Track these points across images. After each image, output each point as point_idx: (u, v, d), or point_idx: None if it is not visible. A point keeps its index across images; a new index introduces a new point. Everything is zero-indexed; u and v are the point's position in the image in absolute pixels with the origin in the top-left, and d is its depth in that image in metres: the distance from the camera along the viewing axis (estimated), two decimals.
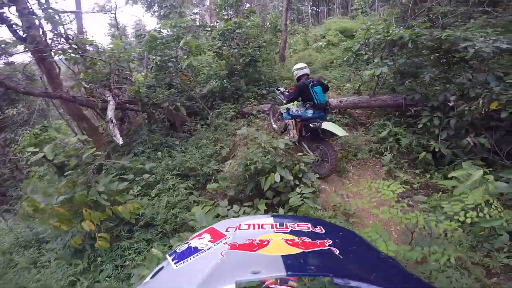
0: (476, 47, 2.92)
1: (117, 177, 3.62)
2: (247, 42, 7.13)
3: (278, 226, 0.90)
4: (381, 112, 5.02)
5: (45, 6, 4.73)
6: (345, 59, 5.12)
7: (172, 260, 0.76)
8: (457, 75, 3.74)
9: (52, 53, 4.76)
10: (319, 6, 25.49)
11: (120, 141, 3.86)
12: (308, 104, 3.90)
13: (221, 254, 0.73)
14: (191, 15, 15.85)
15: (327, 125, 3.60)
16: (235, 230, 0.91)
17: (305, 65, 4.09)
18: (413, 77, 4.24)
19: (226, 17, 8.12)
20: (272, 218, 0.99)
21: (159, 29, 6.24)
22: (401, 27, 3.96)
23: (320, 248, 0.71)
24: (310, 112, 3.86)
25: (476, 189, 1.82)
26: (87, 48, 5.56)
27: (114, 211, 2.82)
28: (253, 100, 6.54)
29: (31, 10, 4.57)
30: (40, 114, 9.39)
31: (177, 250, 0.83)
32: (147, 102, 5.32)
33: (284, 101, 4.45)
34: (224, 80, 6.62)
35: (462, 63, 3.71)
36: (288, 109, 4.33)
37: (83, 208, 2.68)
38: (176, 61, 5.83)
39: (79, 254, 2.95)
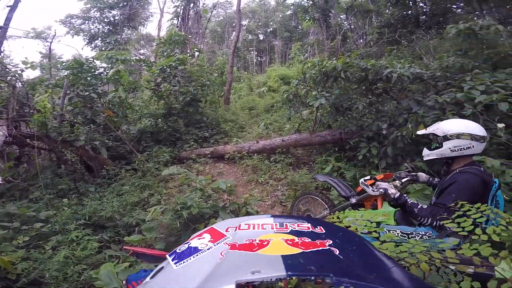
0: (398, 72, 3.23)
1: None
2: (189, 80, 6.90)
3: (278, 226, 0.90)
4: (322, 149, 5.09)
5: None
6: (284, 96, 5.22)
7: (172, 260, 0.77)
8: (384, 104, 4.02)
9: None
10: (262, 55, 28.61)
11: None
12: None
13: (221, 254, 0.74)
14: (136, 56, 15.42)
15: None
16: (235, 230, 0.91)
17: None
18: (348, 110, 4.44)
19: (167, 52, 7.91)
20: (272, 218, 0.99)
21: (92, 58, 5.46)
22: (334, 59, 4.24)
23: (320, 248, 0.71)
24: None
25: None
26: None
27: None
28: (193, 143, 5.99)
29: None
30: None
31: (177, 250, 0.82)
32: (56, 139, 4.28)
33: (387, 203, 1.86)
34: (159, 120, 6.00)
35: (384, 94, 4.04)
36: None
37: None
38: (102, 93, 5.08)
39: None
